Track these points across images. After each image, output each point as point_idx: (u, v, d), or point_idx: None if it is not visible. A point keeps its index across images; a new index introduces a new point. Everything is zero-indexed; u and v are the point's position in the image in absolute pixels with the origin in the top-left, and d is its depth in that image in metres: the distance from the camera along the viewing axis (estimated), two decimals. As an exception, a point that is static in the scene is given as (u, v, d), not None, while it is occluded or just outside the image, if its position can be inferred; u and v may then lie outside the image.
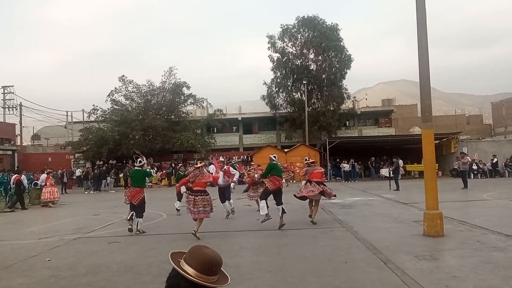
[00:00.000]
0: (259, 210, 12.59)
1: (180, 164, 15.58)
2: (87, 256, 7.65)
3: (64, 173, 28.43)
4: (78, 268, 6.75)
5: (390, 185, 20.11)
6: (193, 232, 8.84)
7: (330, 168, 29.80)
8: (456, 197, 15.42)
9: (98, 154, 32.31)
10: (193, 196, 8.94)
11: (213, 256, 1.97)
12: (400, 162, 29.04)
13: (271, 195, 9.93)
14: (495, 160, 27.59)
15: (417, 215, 10.44)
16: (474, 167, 26.83)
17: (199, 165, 9.38)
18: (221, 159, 14.31)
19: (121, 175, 30.78)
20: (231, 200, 12.21)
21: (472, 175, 25.77)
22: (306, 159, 11.16)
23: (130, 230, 9.76)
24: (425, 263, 6.21)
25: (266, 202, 9.83)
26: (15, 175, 17.83)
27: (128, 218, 10.02)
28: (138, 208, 9.89)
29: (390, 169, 21.38)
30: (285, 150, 31.82)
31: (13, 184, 17.83)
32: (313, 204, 10.50)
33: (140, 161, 10.39)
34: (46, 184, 18.35)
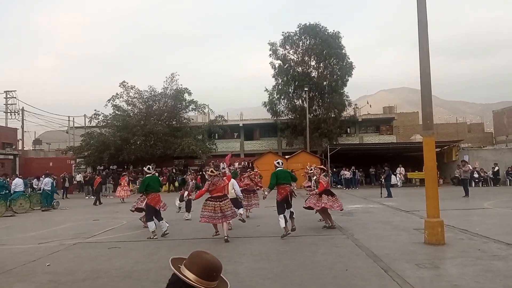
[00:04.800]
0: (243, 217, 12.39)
1: (189, 174, 15.39)
2: (86, 261, 7.63)
3: (66, 178, 28.43)
4: (77, 273, 6.73)
5: (381, 192, 20.14)
6: (226, 237, 9.02)
7: (331, 175, 29.78)
8: (457, 205, 15.35)
9: (99, 159, 32.38)
10: (217, 202, 9.10)
11: (213, 262, 1.98)
12: (402, 169, 29.19)
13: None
14: (496, 168, 27.55)
15: (418, 223, 10.42)
16: (475, 175, 26.79)
17: (215, 173, 9.57)
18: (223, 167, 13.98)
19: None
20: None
21: (473, 183, 25.71)
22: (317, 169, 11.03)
23: (158, 235, 9.89)
24: (425, 271, 6.18)
25: (285, 216, 9.25)
26: (97, 177, 23.50)
27: (155, 229, 10.00)
28: (159, 212, 10.32)
29: (382, 176, 21.50)
30: (286, 156, 31.80)
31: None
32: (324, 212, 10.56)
33: (149, 168, 10.82)
34: (121, 184, 22.53)
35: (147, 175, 10.59)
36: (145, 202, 10.49)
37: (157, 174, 11.87)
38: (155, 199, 10.19)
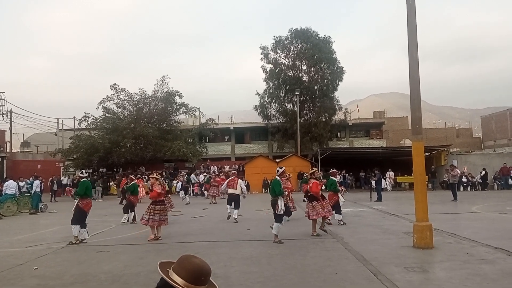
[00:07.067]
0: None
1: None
2: (74, 265, 7.55)
3: (54, 181, 28.11)
4: (65, 277, 6.66)
5: (371, 196, 20.27)
6: (159, 237, 9.92)
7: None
8: (445, 209, 15.50)
9: (88, 162, 32.03)
10: (161, 206, 10.14)
11: (201, 266, 1.95)
12: (392, 173, 29.38)
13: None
14: (484, 173, 27.84)
15: (407, 226, 10.48)
16: (464, 179, 27.05)
17: (159, 178, 10.74)
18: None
19: (111, 183, 30.58)
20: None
21: (461, 188, 25.96)
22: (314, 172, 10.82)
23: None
24: (414, 275, 6.23)
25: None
26: (123, 179, 22.27)
27: (78, 234, 9.78)
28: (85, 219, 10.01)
29: (373, 180, 21.66)
30: (277, 160, 31.85)
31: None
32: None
33: (82, 172, 11.15)
34: (139, 185, 22.21)
35: (83, 180, 10.32)
36: (77, 205, 9.89)
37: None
38: (89, 205, 10.08)
